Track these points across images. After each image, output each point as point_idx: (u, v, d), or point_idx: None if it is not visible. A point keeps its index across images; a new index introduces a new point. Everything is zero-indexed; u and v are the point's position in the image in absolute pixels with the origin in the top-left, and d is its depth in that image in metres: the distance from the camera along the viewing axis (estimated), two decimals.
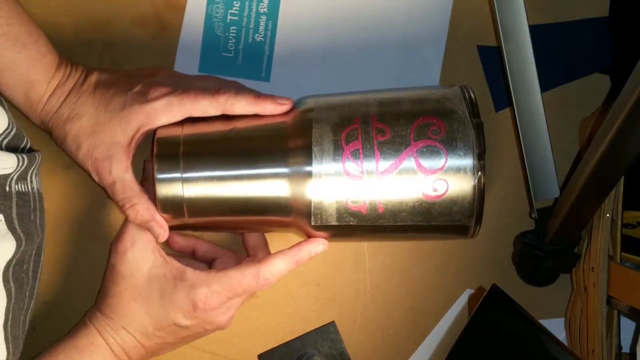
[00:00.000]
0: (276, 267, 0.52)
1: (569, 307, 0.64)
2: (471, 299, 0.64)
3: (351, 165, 0.49)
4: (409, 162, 0.49)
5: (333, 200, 0.50)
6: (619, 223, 0.59)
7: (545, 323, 0.58)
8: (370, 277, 0.63)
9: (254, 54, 0.63)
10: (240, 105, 0.52)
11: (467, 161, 0.49)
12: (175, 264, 0.53)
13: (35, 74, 0.52)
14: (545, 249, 0.60)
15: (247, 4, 0.62)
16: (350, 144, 0.49)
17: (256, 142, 0.51)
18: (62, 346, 0.52)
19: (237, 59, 0.62)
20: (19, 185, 0.50)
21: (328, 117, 0.50)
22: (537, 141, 0.59)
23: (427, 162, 0.49)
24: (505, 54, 0.58)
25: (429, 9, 0.63)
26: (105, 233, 0.61)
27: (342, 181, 0.49)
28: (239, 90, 0.54)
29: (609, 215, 0.59)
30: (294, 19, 0.63)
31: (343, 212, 0.50)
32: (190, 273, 0.52)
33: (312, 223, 0.51)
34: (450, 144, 0.49)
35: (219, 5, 0.62)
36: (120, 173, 0.52)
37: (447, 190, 0.49)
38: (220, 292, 0.51)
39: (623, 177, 0.58)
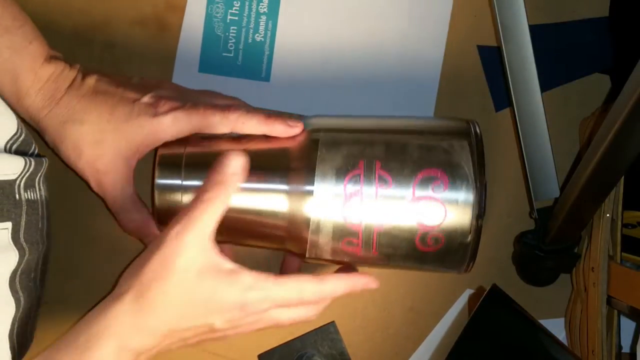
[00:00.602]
0: (334, 288, 0.49)
1: (569, 307, 0.64)
2: (471, 299, 0.64)
3: (350, 211, 0.49)
4: (407, 215, 0.49)
5: (329, 239, 0.50)
6: (619, 223, 0.59)
7: (545, 323, 0.58)
8: None
9: (254, 54, 0.63)
10: (251, 124, 0.51)
11: (466, 221, 0.49)
12: (229, 263, 0.47)
13: (20, 61, 0.50)
14: (545, 249, 0.60)
15: (247, 4, 0.62)
16: (352, 192, 0.49)
17: (259, 164, 0.51)
18: (69, 340, 0.45)
19: (237, 59, 0.62)
20: (29, 193, 0.49)
21: (332, 158, 0.50)
22: (537, 141, 0.59)
23: (425, 217, 0.49)
24: (505, 54, 0.58)
25: (429, 9, 0.63)
26: (105, 234, 0.61)
27: (340, 225, 0.50)
28: (249, 108, 0.52)
29: (609, 215, 0.59)
30: (294, 19, 0.63)
31: (338, 251, 0.51)
32: (247, 274, 0.47)
33: (307, 255, 0.51)
34: (451, 202, 0.49)
35: (219, 5, 0.62)
36: (123, 186, 0.51)
37: (442, 244, 0.50)
38: (274, 300, 0.48)
39: (623, 177, 0.58)
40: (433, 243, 0.50)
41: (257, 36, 0.62)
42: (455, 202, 0.49)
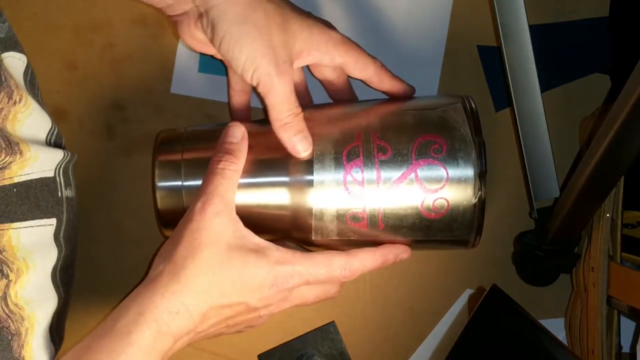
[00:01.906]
0: (364, 262, 0.50)
1: (569, 307, 0.64)
2: (471, 299, 0.64)
3: (352, 183, 0.49)
4: (409, 181, 0.49)
5: (334, 216, 0.50)
6: (619, 223, 0.59)
7: (545, 323, 0.58)
8: (370, 277, 0.63)
9: None
10: (386, 79, 0.55)
11: (468, 180, 0.49)
12: (256, 238, 0.48)
13: None
14: (545, 249, 0.60)
15: None
16: (352, 162, 0.49)
17: (258, 154, 0.51)
18: (103, 331, 0.44)
19: None
20: (68, 191, 0.50)
21: (329, 133, 0.50)
22: (537, 141, 0.59)
23: (428, 181, 0.49)
24: (505, 54, 0.58)
25: (429, 9, 0.63)
26: (105, 235, 0.61)
27: (343, 199, 0.50)
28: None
29: (609, 215, 0.59)
30: None
31: (344, 228, 0.50)
32: (274, 250, 0.48)
33: (313, 238, 0.51)
34: (451, 163, 0.49)
35: None
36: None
37: (447, 209, 0.49)
38: (302, 275, 0.48)
39: (623, 177, 0.58)
40: (438, 208, 0.49)
41: None
42: (456, 162, 0.49)
